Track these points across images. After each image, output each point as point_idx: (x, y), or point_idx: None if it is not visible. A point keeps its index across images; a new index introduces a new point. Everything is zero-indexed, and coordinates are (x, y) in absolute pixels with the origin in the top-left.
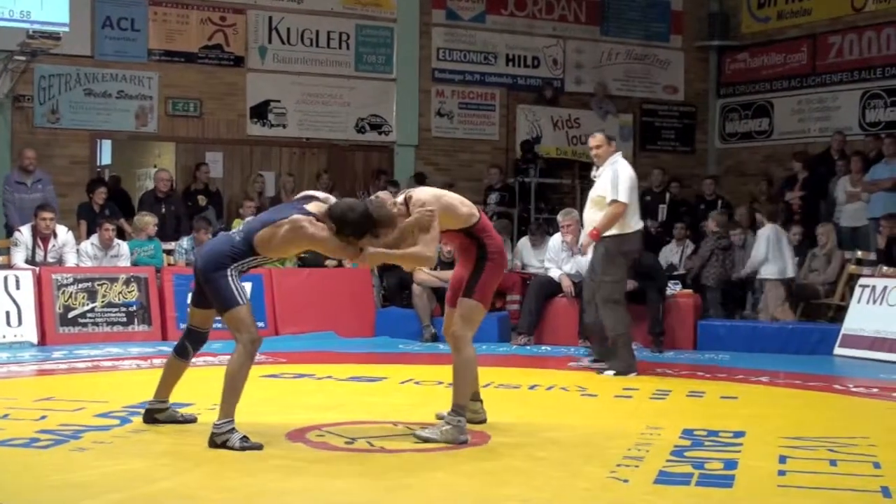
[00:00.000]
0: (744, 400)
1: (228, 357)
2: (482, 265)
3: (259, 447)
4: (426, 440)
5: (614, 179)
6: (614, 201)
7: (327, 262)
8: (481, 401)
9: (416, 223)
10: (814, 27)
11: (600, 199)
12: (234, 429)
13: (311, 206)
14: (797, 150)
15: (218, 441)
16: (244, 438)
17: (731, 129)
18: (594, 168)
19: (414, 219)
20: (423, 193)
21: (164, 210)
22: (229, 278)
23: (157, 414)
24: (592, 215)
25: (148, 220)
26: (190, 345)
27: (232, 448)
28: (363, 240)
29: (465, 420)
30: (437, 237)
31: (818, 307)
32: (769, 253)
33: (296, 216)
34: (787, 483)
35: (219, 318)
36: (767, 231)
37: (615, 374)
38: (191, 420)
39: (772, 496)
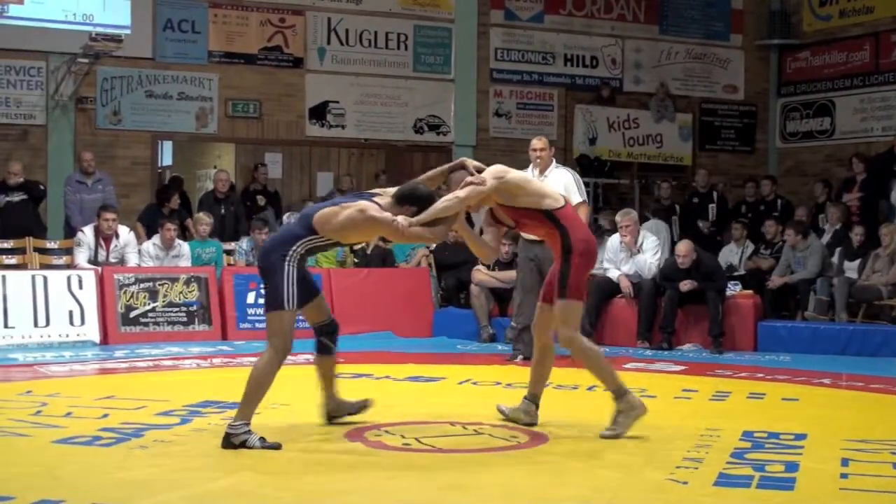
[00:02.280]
0: (805, 402)
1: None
2: (569, 259)
3: (278, 446)
4: (616, 436)
5: (577, 182)
6: (584, 202)
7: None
8: (537, 405)
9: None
10: (876, 25)
11: None
12: (250, 430)
13: (378, 199)
14: (859, 150)
15: (235, 441)
16: (262, 439)
17: (792, 129)
18: (532, 168)
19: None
20: (491, 168)
21: (223, 210)
22: (286, 274)
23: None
24: None
25: (200, 219)
26: (326, 339)
27: (252, 447)
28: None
29: (630, 397)
30: (468, 196)
31: (881, 308)
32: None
33: (364, 202)
34: (849, 486)
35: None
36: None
37: (523, 359)
38: (367, 405)
39: (834, 499)
